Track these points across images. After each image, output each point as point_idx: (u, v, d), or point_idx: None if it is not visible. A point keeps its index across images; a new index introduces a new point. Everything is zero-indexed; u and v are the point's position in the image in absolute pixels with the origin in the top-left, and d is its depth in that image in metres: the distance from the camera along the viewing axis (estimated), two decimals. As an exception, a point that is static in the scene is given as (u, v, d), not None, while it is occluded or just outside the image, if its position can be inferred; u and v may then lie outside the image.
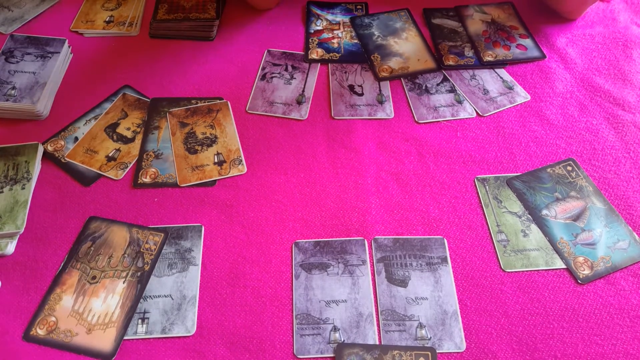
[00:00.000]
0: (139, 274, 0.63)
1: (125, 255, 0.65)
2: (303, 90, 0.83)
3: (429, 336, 0.59)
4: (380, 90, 0.83)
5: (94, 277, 0.63)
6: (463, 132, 0.78)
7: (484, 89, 0.83)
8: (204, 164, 0.74)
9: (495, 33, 0.91)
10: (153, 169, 0.73)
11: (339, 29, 0.93)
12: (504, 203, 0.70)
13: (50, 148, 0.75)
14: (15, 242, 0.66)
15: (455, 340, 0.59)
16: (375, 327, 0.60)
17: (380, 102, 0.82)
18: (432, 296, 0.62)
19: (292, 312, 0.61)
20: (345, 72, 0.86)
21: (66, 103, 0.81)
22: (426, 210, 0.70)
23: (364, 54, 0.88)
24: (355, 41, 0.90)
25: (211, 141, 0.77)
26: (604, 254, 0.65)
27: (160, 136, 0.77)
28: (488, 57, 0.87)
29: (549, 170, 0.73)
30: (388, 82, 0.85)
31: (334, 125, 0.79)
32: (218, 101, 0.82)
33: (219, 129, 0.78)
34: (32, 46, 0.86)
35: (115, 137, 0.77)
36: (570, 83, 0.84)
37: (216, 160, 0.74)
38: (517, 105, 0.81)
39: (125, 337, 0.59)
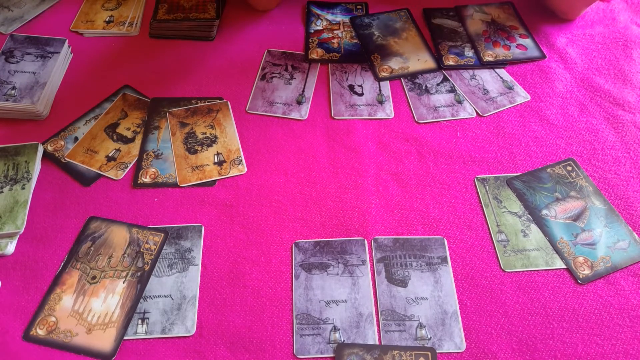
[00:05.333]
0: (139, 274, 0.63)
1: (125, 255, 0.65)
2: (303, 90, 0.83)
3: (429, 336, 0.59)
4: (380, 90, 0.83)
5: (94, 277, 0.63)
6: (463, 132, 0.78)
7: (484, 89, 0.83)
8: (204, 164, 0.74)
9: (495, 33, 0.91)
10: (153, 169, 0.73)
11: (339, 29, 0.93)
12: (504, 203, 0.70)
13: (50, 148, 0.75)
14: (15, 242, 0.66)
15: (455, 340, 0.59)
16: (375, 327, 0.60)
17: (380, 102, 0.82)
18: (432, 296, 0.62)
19: (292, 312, 0.61)
20: (345, 72, 0.86)
21: (66, 103, 0.81)
22: (426, 210, 0.70)
23: (364, 54, 0.88)
24: (355, 41, 0.90)
25: (211, 141, 0.77)
26: (604, 254, 0.65)
27: (160, 136, 0.77)
28: (488, 57, 0.87)
29: (549, 170, 0.73)
30: (388, 82, 0.85)
31: (334, 125, 0.79)
32: (218, 101, 0.82)
33: (219, 129, 0.78)
34: (32, 46, 0.86)
35: (115, 137, 0.77)
36: (570, 83, 0.84)
37: (216, 160, 0.74)
38: (517, 105, 0.81)
39: (125, 337, 0.59)
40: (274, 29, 0.93)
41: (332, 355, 0.58)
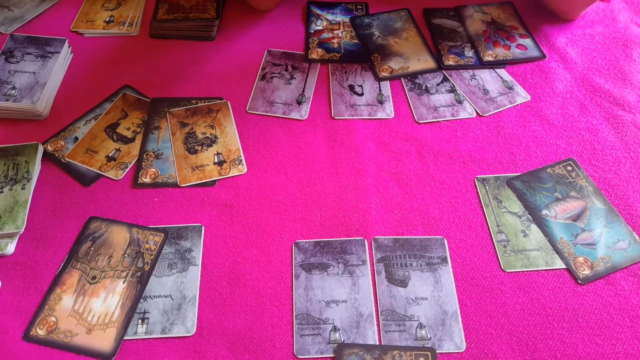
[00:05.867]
0: (139, 274, 0.63)
1: (125, 255, 0.65)
2: (303, 90, 0.83)
3: (429, 336, 0.59)
4: (380, 90, 0.83)
5: (94, 277, 0.63)
6: (463, 132, 0.78)
7: (484, 89, 0.83)
8: (204, 164, 0.74)
9: (495, 33, 0.91)
10: (153, 169, 0.73)
11: (339, 29, 0.93)
12: (504, 203, 0.70)
13: (50, 148, 0.75)
14: (15, 242, 0.66)
15: (455, 341, 0.59)
16: (375, 327, 0.60)
17: (380, 102, 0.82)
18: (432, 296, 0.62)
19: (292, 312, 0.61)
20: (345, 72, 0.86)
21: (66, 103, 0.81)
22: (426, 210, 0.70)
23: (364, 54, 0.88)
24: (355, 41, 0.90)
25: (211, 141, 0.77)
26: (604, 254, 0.65)
27: (160, 136, 0.77)
28: (488, 57, 0.87)
29: (549, 170, 0.73)
30: (388, 82, 0.85)
31: (334, 125, 0.79)
32: (218, 101, 0.82)
33: (219, 129, 0.78)
34: (32, 46, 0.86)
35: (115, 137, 0.77)
36: (570, 83, 0.84)
37: (216, 160, 0.74)
38: (517, 105, 0.81)
39: (125, 337, 0.59)
40: (274, 29, 0.93)
41: (332, 355, 0.58)
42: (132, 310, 0.61)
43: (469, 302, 0.62)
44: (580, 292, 0.62)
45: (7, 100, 0.78)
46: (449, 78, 0.85)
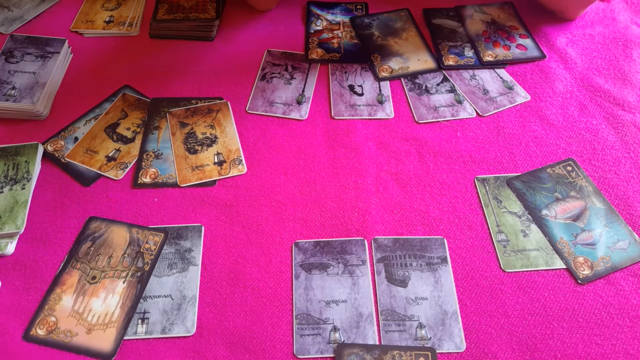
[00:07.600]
0: (139, 274, 0.63)
1: (125, 255, 0.65)
2: (303, 90, 0.83)
3: (429, 336, 0.59)
4: (380, 90, 0.83)
5: (94, 277, 0.63)
6: (463, 132, 0.78)
7: (484, 89, 0.83)
8: (204, 164, 0.74)
9: (495, 33, 0.91)
10: (153, 169, 0.73)
11: (339, 29, 0.93)
12: (504, 203, 0.70)
13: (50, 148, 0.75)
14: (15, 242, 0.66)
15: (455, 340, 0.59)
16: (375, 327, 0.60)
17: (380, 102, 0.82)
18: (432, 296, 0.62)
19: (292, 312, 0.61)
20: (345, 72, 0.86)
21: (66, 103, 0.81)
22: (426, 210, 0.70)
23: (364, 54, 0.88)
24: (355, 41, 0.90)
25: (211, 141, 0.77)
26: (604, 254, 0.65)
27: (160, 136, 0.77)
28: (488, 57, 0.87)
29: (549, 170, 0.73)
30: (388, 82, 0.85)
31: (334, 125, 0.79)
32: (218, 101, 0.82)
33: (219, 129, 0.78)
34: (32, 46, 0.86)
35: (115, 137, 0.77)
36: (570, 83, 0.84)
37: (216, 160, 0.74)
38: (517, 105, 0.81)
39: (125, 337, 0.59)
40: (274, 29, 0.93)
41: (332, 355, 0.58)
42: (132, 310, 0.61)
43: (469, 302, 0.62)
44: (580, 292, 0.63)
45: (7, 100, 0.78)
46: (449, 78, 0.85)
